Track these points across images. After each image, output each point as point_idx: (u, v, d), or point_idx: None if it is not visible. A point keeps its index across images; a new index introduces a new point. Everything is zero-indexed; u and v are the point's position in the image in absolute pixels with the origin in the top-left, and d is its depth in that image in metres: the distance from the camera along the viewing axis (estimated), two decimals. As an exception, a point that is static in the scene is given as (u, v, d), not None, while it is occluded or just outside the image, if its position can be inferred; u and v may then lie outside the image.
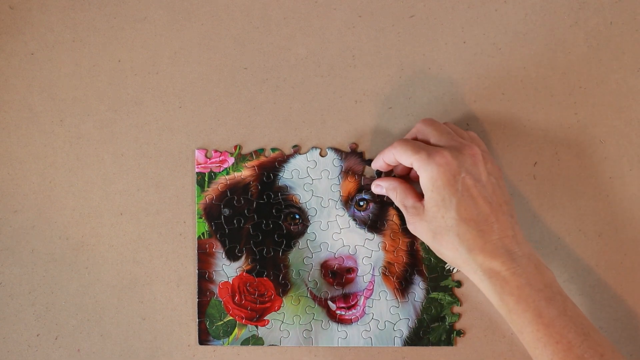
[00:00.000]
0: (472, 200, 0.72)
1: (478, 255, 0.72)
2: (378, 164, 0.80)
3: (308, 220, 0.84)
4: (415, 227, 0.76)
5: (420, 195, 0.77)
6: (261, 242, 0.84)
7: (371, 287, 0.84)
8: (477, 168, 0.74)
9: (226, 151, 0.85)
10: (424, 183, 0.73)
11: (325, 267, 0.83)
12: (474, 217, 0.72)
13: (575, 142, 0.84)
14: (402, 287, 0.84)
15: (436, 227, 0.73)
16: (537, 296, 0.70)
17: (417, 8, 0.85)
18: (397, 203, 0.79)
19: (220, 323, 0.84)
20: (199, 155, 0.84)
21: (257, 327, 0.84)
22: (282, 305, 0.84)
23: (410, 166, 0.75)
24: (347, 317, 0.83)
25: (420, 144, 0.75)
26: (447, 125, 0.78)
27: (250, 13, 0.85)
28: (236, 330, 0.84)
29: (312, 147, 0.85)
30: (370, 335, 0.84)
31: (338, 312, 0.84)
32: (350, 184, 0.84)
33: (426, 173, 0.73)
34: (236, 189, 0.84)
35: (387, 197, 0.83)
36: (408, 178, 0.82)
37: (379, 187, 0.81)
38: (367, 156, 0.84)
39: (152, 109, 0.85)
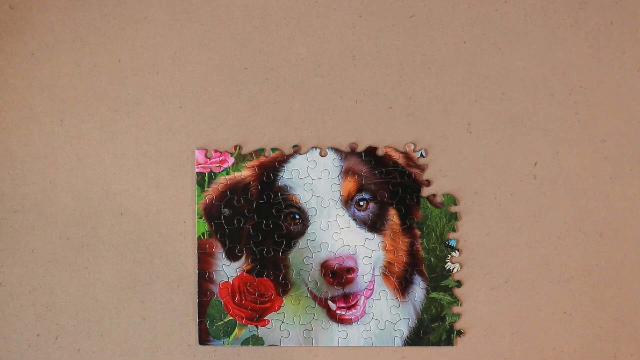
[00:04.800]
0: None
1: None
2: None
3: (308, 220, 0.84)
4: None
5: None
6: (261, 242, 0.84)
7: (371, 287, 0.84)
8: None
9: (226, 151, 0.85)
10: None
11: (325, 267, 0.83)
12: None
13: (576, 142, 0.84)
14: (402, 287, 0.84)
15: None
16: None
17: (417, 8, 0.85)
18: None
19: (220, 323, 0.84)
20: (199, 155, 0.84)
21: (257, 327, 0.84)
22: (282, 305, 0.84)
23: None
24: (347, 317, 0.83)
25: None
26: None
27: (250, 13, 0.85)
28: (236, 330, 0.84)
29: (312, 147, 0.84)
30: (370, 335, 0.84)
31: (338, 312, 0.83)
32: (350, 184, 0.84)
33: None
34: (236, 189, 0.84)
35: (388, 197, 0.83)
36: None
37: None
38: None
39: (152, 109, 0.85)
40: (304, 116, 0.85)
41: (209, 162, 0.84)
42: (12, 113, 0.85)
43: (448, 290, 0.84)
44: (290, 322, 0.84)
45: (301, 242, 0.84)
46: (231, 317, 0.84)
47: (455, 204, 0.84)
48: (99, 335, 0.85)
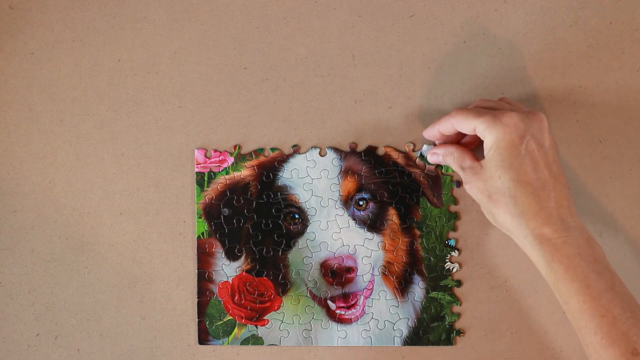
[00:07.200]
0: (534, 164, 0.71)
1: (531, 220, 0.71)
2: (431, 133, 0.80)
3: (308, 220, 0.84)
4: (471, 186, 0.75)
5: (477, 157, 0.76)
6: (261, 241, 0.84)
7: (371, 287, 0.84)
8: (543, 134, 0.73)
9: (226, 151, 0.85)
10: (488, 143, 0.72)
11: (324, 266, 0.83)
12: (533, 182, 0.71)
13: (575, 142, 0.84)
14: (402, 286, 0.84)
15: (492, 187, 0.72)
16: (587, 268, 0.69)
17: (417, 8, 0.85)
18: (454, 167, 0.78)
19: (220, 323, 0.84)
20: (199, 155, 0.85)
21: (256, 326, 0.84)
22: (281, 304, 0.84)
23: (472, 133, 0.74)
24: (346, 317, 0.83)
25: (482, 109, 0.74)
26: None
27: (250, 13, 0.85)
28: (236, 330, 0.84)
29: (312, 147, 0.85)
30: (370, 335, 0.83)
31: (338, 311, 0.83)
32: (350, 184, 0.84)
33: (492, 134, 0.72)
34: (236, 189, 0.84)
35: (387, 196, 0.83)
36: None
37: (436, 155, 0.81)
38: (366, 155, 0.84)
39: (152, 109, 0.85)
40: (304, 116, 0.85)
41: (208, 161, 0.85)
42: (12, 113, 0.85)
43: (448, 289, 0.84)
44: (289, 321, 0.84)
45: (301, 242, 0.84)
46: (231, 317, 0.84)
47: (455, 204, 0.84)
48: (98, 335, 0.85)
